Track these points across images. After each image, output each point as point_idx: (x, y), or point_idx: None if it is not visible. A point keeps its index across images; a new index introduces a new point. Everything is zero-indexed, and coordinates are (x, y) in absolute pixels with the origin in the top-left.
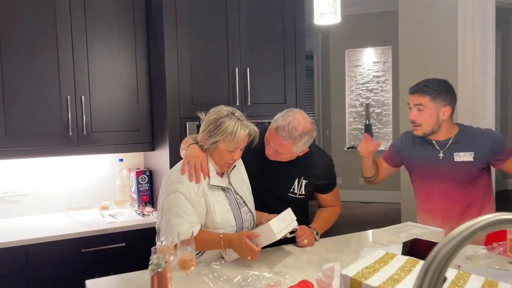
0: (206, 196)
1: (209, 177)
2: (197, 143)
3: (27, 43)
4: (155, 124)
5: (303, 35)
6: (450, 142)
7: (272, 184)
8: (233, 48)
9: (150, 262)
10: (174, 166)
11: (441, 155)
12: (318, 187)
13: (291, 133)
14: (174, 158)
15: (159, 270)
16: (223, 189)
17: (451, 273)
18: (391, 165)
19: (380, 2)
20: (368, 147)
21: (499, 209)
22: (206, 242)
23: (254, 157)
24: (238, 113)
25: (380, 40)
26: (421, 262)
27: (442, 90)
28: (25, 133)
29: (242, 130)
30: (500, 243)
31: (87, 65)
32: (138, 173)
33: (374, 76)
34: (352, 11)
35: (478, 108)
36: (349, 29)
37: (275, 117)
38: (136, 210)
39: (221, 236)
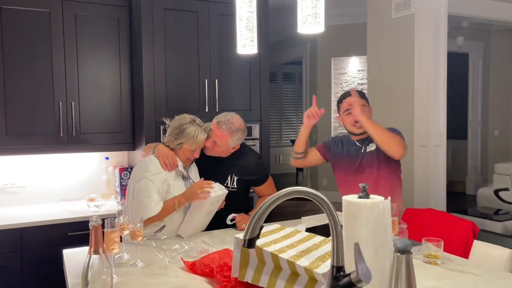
0: (169, 182)
1: (177, 167)
2: (162, 143)
3: (26, 55)
4: (135, 127)
5: (267, 51)
6: (368, 139)
7: (209, 178)
8: (203, 62)
9: (90, 220)
10: (142, 161)
11: (363, 150)
12: (250, 182)
13: (230, 127)
14: None
15: (95, 224)
16: (183, 178)
17: (318, 238)
18: (321, 154)
19: (364, 14)
20: (314, 113)
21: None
22: (164, 210)
23: (198, 159)
24: (198, 120)
25: (364, 49)
26: (302, 233)
27: (365, 96)
28: (23, 133)
29: (202, 134)
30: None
31: (77, 75)
32: (121, 170)
33: (358, 84)
34: (338, 22)
35: (431, 117)
36: (335, 38)
37: (216, 116)
38: (118, 202)
39: (175, 199)
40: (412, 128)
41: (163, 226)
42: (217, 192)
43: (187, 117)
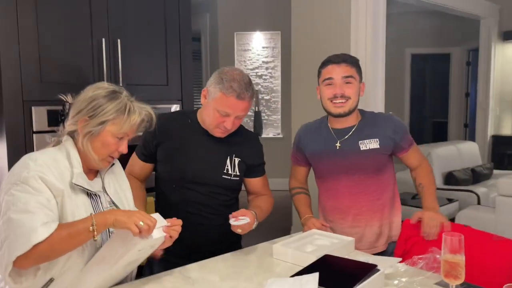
0: (62, 197)
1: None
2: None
3: None
4: None
5: (189, 10)
6: (353, 129)
7: (203, 167)
8: (98, 15)
9: None
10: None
11: (338, 145)
12: (250, 168)
13: (251, 87)
14: (15, 154)
15: None
16: (88, 194)
17: None
18: (306, 165)
19: None
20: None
21: None
22: (69, 236)
23: (180, 143)
24: (125, 92)
25: (270, 24)
26: None
27: (359, 65)
28: None
29: (136, 112)
30: (420, 256)
31: None
32: None
33: (263, 62)
34: None
35: (370, 98)
36: (238, 10)
37: (214, 86)
38: None
39: (92, 217)
40: None
41: (50, 280)
42: (153, 234)
43: (106, 86)
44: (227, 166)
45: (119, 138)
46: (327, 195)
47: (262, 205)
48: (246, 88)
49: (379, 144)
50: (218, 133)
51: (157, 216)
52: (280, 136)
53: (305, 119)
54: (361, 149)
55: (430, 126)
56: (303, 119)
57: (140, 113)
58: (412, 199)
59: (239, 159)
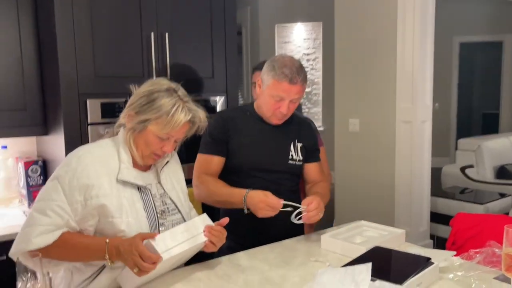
0: (102, 194)
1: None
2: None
3: None
4: (47, 102)
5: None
6: None
7: (271, 155)
8: (147, 8)
9: None
10: (73, 152)
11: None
12: (309, 153)
13: (302, 70)
14: (71, 145)
15: None
16: (139, 189)
17: None
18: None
19: None
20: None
21: None
22: (81, 250)
23: (246, 135)
24: (182, 91)
25: (311, 15)
26: None
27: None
28: None
29: (183, 113)
30: (477, 250)
31: None
32: (27, 164)
33: (304, 54)
34: None
35: (417, 89)
36: (279, 2)
37: (267, 73)
38: (25, 211)
39: (107, 240)
40: (394, 103)
41: (103, 266)
42: (194, 239)
43: (165, 82)
44: (292, 152)
45: (163, 139)
46: None
47: (322, 191)
48: (297, 72)
49: None
50: (275, 120)
51: (204, 217)
52: (322, 129)
53: (349, 111)
54: None
55: (479, 118)
56: (347, 112)
57: (187, 115)
58: (460, 194)
59: (301, 144)
